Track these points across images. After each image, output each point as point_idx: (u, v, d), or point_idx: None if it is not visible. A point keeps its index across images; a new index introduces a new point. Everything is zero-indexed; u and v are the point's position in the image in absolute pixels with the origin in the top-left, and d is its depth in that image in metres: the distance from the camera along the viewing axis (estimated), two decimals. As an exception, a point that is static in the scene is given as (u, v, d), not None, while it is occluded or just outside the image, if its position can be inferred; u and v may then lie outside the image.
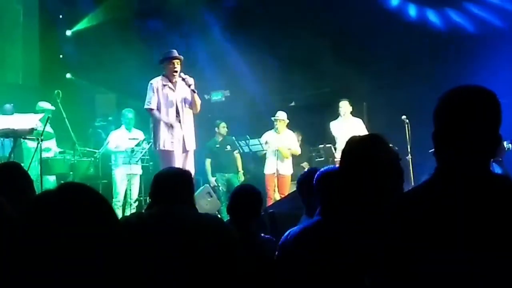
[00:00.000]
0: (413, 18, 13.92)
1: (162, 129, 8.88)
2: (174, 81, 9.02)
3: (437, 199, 2.19)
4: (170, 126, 8.89)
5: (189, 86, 8.93)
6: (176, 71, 8.95)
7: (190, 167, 9.01)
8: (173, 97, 8.96)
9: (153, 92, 8.95)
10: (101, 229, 1.75)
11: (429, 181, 2.28)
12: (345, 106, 11.84)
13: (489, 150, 2.23)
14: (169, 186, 3.90)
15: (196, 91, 9.01)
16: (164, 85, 8.99)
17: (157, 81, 9.02)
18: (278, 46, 12.84)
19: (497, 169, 7.41)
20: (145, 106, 9.01)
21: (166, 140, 8.87)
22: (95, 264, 1.70)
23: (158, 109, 8.95)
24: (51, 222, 1.70)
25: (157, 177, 4.04)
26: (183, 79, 8.96)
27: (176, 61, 8.98)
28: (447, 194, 2.18)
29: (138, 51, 13.91)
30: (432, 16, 13.91)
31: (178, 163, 8.73)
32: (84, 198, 1.79)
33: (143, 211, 10.01)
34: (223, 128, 12.73)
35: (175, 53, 9.07)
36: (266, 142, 11.83)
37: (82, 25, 14.60)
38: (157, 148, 8.99)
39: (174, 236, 3.59)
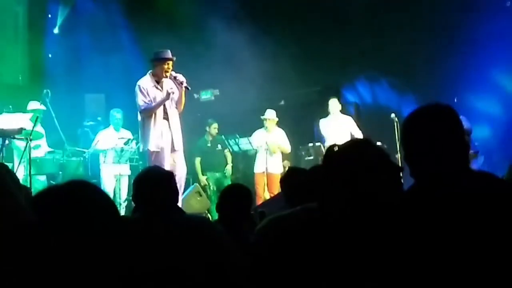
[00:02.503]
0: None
1: (151, 129, 8.84)
2: (161, 80, 9.02)
3: (423, 209, 2.26)
4: (158, 126, 8.87)
5: (181, 83, 8.88)
6: (168, 72, 8.93)
7: (182, 166, 9.03)
8: (161, 97, 8.92)
9: (143, 93, 8.87)
10: (107, 224, 1.76)
11: (412, 191, 2.41)
12: (333, 105, 11.88)
13: (462, 156, 2.39)
14: (149, 189, 3.84)
15: (190, 88, 9.01)
16: (152, 85, 8.96)
17: (145, 82, 8.96)
18: (267, 45, 12.83)
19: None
20: (140, 109, 8.88)
21: (155, 140, 8.83)
22: (100, 258, 1.72)
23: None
24: (58, 215, 1.72)
25: (137, 180, 3.99)
26: (175, 78, 8.93)
27: (170, 62, 8.96)
28: (433, 202, 2.23)
29: (127, 50, 13.88)
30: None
31: (167, 163, 8.71)
32: (92, 193, 1.81)
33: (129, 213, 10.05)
34: (213, 129, 12.71)
35: (169, 53, 9.03)
36: (258, 144, 11.87)
37: (62, 14, 14.50)
38: (146, 148, 8.92)
39: (157, 244, 3.53)
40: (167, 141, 8.88)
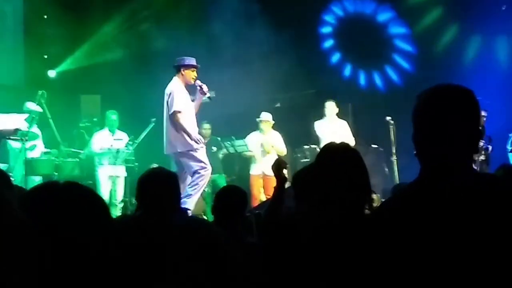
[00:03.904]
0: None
1: (188, 130, 9.18)
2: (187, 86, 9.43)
3: (423, 202, 2.18)
4: (195, 128, 9.38)
5: (205, 93, 9.43)
6: (195, 79, 9.35)
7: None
8: (190, 101, 9.40)
9: (180, 96, 9.21)
10: (97, 225, 1.75)
11: (414, 184, 2.28)
12: (331, 107, 11.84)
13: (471, 147, 2.23)
14: (153, 189, 3.86)
15: (211, 99, 9.71)
16: (184, 91, 9.37)
17: (179, 87, 9.30)
18: (263, 48, 12.83)
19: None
20: (175, 109, 9.13)
21: (194, 141, 9.20)
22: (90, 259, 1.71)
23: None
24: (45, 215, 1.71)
25: (142, 179, 4.00)
26: (200, 86, 9.41)
27: (196, 70, 9.43)
28: (433, 196, 2.17)
29: (123, 51, 13.87)
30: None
31: (206, 159, 9.35)
32: (81, 193, 1.80)
33: (128, 212, 10.03)
34: (204, 130, 12.64)
35: (195, 61, 9.49)
36: (254, 146, 11.87)
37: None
38: (190, 147, 9.20)
39: (157, 244, 3.53)
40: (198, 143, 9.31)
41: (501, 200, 2.13)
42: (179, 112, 9.14)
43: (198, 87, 9.42)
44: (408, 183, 2.34)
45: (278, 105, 14.51)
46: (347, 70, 15.02)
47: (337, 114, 11.92)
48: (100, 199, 1.85)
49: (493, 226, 2.07)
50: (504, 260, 2.05)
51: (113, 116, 11.63)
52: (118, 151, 11.05)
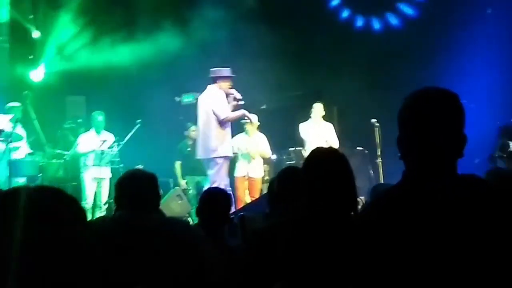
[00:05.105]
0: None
1: (228, 137, 9.98)
2: None
3: (408, 205, 2.18)
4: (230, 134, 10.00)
5: (238, 100, 10.07)
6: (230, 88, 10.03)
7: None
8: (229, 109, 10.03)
9: (225, 103, 9.89)
10: (70, 229, 1.73)
11: (398, 186, 2.29)
12: (318, 109, 11.85)
13: (455, 151, 2.24)
14: (133, 190, 3.85)
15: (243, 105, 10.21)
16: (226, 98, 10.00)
17: (223, 94, 9.93)
18: (249, 49, 12.81)
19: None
20: (226, 117, 9.85)
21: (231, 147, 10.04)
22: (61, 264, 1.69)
23: None
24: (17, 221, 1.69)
25: (120, 180, 3.98)
26: (233, 94, 10.06)
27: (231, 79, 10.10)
28: (417, 199, 2.18)
29: (108, 51, 13.82)
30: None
31: None
32: (54, 198, 1.77)
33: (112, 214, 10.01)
34: (192, 132, 12.61)
35: (230, 71, 10.19)
36: (238, 149, 11.82)
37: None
38: (226, 155, 9.90)
39: (136, 244, 3.53)
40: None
41: (485, 202, 2.14)
42: (226, 119, 9.79)
43: (232, 95, 10.01)
44: (388, 184, 2.35)
45: (264, 106, 14.49)
46: (345, 13, 15.14)
47: (323, 117, 11.92)
48: (75, 204, 1.82)
49: (478, 227, 2.09)
50: (490, 261, 2.06)
51: (99, 117, 11.59)
52: (103, 152, 11.02)
